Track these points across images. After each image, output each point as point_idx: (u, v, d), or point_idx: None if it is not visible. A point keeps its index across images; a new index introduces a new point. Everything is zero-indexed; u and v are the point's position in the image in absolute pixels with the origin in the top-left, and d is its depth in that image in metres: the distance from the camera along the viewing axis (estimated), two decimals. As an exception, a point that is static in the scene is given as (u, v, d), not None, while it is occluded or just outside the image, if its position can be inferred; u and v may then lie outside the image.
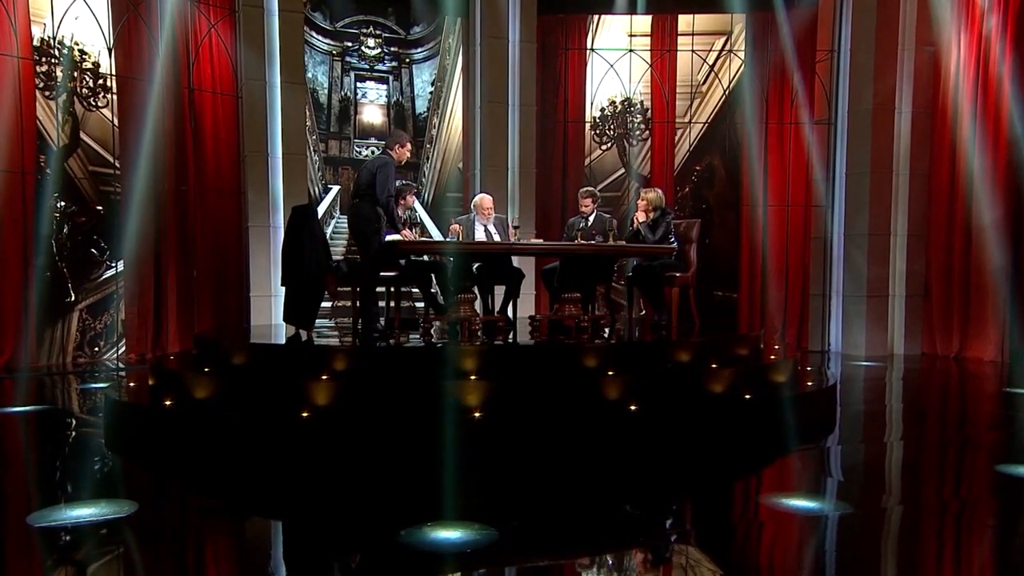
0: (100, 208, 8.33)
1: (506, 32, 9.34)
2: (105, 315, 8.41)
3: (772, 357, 5.88)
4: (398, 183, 6.19)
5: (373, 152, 9.88)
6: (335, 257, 6.91)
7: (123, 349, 8.46)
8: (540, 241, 6.88)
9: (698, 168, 10.33)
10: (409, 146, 5.92)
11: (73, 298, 8.21)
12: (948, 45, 9.33)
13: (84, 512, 3.19)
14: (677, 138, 10.28)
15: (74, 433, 5.20)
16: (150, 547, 2.98)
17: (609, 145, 10.41)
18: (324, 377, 4.55)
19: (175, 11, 8.39)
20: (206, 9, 8.69)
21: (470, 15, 9.69)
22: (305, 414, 4.30)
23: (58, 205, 8.10)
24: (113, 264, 8.41)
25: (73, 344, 8.23)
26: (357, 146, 10.04)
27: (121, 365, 8.17)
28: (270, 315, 8.31)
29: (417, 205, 10.19)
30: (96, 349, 8.38)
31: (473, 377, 4.62)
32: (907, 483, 4.22)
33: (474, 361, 4.79)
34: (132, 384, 5.43)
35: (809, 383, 5.65)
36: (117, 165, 8.36)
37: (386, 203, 5.55)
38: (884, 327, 9.52)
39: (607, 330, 6.37)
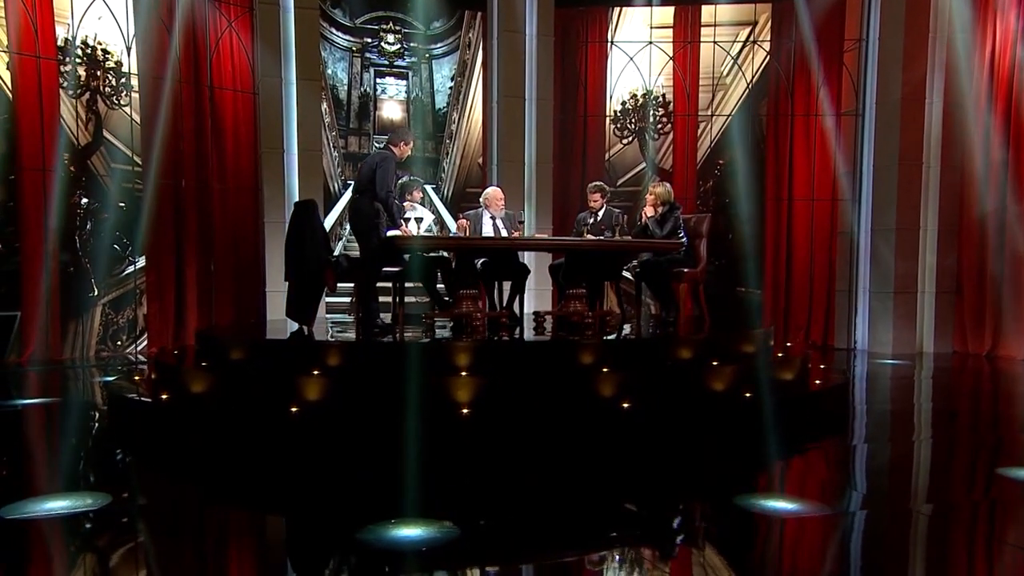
0: (122, 204, 8.48)
1: (522, 26, 9.27)
2: (127, 309, 8.57)
3: (779, 354, 5.73)
4: (405, 179, 6.18)
5: (392, 148, 9.88)
6: (345, 253, 6.91)
7: (145, 343, 8.61)
8: (542, 236, 6.80)
9: (721, 162, 10.13)
10: (412, 144, 5.87)
11: (96, 293, 8.37)
12: (983, 32, 9.01)
13: (57, 504, 3.23)
14: (700, 131, 10.10)
15: (78, 426, 5.29)
16: (107, 539, 3.01)
17: (630, 139, 10.28)
18: (315, 373, 4.56)
19: (195, 10, 8.51)
20: (226, 9, 8.79)
21: (487, 9, 9.64)
22: (293, 409, 4.32)
23: (82, 202, 8.28)
24: (135, 259, 8.56)
25: (96, 338, 8.40)
26: (377, 142, 10.05)
27: (142, 358, 8.32)
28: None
29: (436, 199, 10.21)
30: (119, 343, 8.54)
31: (464, 374, 4.59)
32: (903, 486, 4.06)
33: (466, 357, 4.75)
34: (137, 378, 5.52)
35: (817, 381, 5.49)
36: (139, 162, 8.50)
37: (385, 199, 5.51)
38: (912, 324, 9.24)
39: (612, 327, 6.27)
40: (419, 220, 6.13)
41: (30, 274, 7.81)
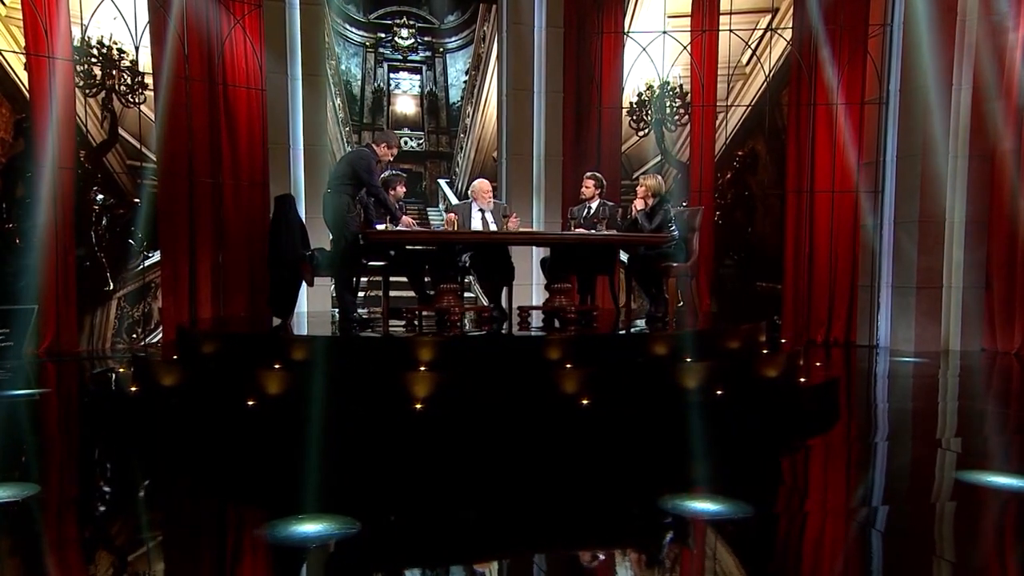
0: (137, 200, 8.68)
1: (531, 18, 9.17)
2: (142, 303, 8.78)
3: (764, 351, 5.54)
4: (387, 173, 6.16)
5: (406, 143, 9.93)
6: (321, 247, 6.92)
7: (159, 336, 8.81)
8: (524, 230, 6.72)
9: (740, 153, 9.87)
10: (395, 150, 5.78)
11: (111, 287, 8.60)
12: (1015, 14, 8.56)
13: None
14: (718, 122, 9.85)
15: (56, 417, 5.41)
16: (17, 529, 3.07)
17: (647, 131, 10.08)
18: (276, 367, 4.58)
19: (204, 8, 8.64)
20: (238, 8, 8.90)
21: (499, 1, 9.56)
22: (250, 403, 4.35)
23: (97, 198, 8.50)
24: (149, 254, 8.76)
25: (111, 331, 8.63)
26: (390, 137, 10.09)
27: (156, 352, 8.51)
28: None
29: (449, 193, 10.20)
30: (133, 336, 8.76)
31: (423, 369, 4.55)
32: (861, 489, 3.87)
33: (429, 352, 4.71)
34: (122, 370, 5.63)
35: (802, 379, 5.29)
36: (153, 159, 8.68)
37: (377, 193, 5.49)
38: (936, 321, 8.83)
39: (597, 321, 6.15)
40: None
41: (46, 268, 8.05)
